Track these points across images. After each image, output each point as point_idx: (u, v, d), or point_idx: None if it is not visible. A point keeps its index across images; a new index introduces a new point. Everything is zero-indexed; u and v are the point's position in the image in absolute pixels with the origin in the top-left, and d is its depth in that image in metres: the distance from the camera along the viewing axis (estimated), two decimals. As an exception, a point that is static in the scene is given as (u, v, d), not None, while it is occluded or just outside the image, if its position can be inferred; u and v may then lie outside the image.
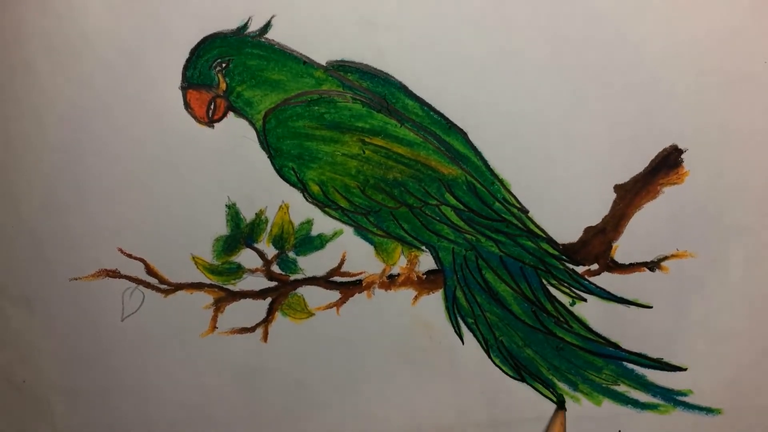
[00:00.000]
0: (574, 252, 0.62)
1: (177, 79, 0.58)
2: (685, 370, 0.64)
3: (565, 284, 0.63)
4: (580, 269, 0.63)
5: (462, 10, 0.57)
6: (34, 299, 0.64)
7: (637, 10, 0.57)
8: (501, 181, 0.60)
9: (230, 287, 0.64)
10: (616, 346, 0.64)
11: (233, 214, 0.61)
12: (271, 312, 0.64)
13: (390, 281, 0.63)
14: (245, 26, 0.57)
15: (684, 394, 0.65)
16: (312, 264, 0.63)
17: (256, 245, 0.63)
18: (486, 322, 0.64)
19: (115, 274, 0.63)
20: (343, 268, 0.63)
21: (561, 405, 0.65)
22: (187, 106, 0.59)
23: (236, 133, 0.60)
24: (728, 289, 0.63)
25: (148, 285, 0.63)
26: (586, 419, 0.66)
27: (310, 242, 0.62)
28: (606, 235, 0.61)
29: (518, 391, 0.65)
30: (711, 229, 0.61)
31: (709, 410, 0.65)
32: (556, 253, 0.62)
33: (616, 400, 0.66)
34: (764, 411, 0.66)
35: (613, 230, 0.61)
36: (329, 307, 0.64)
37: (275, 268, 0.63)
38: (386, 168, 0.60)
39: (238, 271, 0.63)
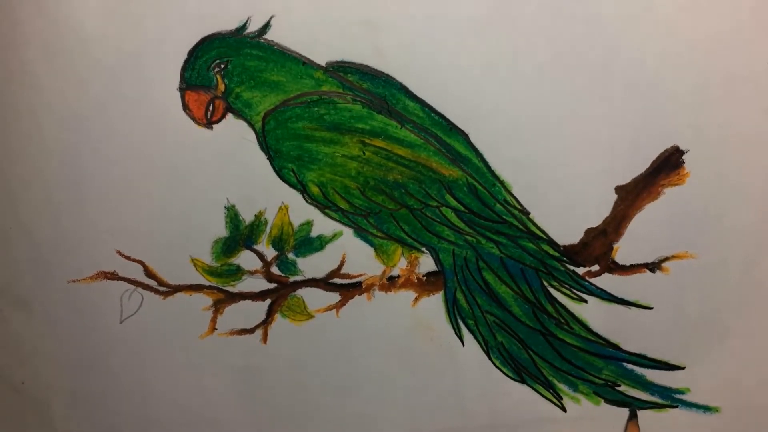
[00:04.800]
0: (574, 253, 0.62)
1: (175, 80, 0.58)
2: (683, 368, 0.64)
3: (566, 285, 0.63)
4: (581, 270, 0.63)
5: (462, 10, 0.56)
6: (32, 301, 0.64)
7: (639, 12, 0.56)
8: (502, 183, 0.60)
9: (229, 289, 0.63)
10: (616, 347, 0.64)
11: (232, 215, 0.61)
12: (270, 314, 0.64)
13: (390, 283, 0.63)
14: (244, 27, 0.57)
15: (682, 393, 0.65)
16: (312, 265, 0.63)
17: (255, 247, 0.62)
18: (486, 323, 0.64)
19: (113, 276, 0.63)
20: (343, 270, 0.63)
21: (633, 415, 0.66)
22: (186, 107, 0.58)
23: (235, 134, 0.59)
24: (728, 289, 0.63)
25: (146, 287, 0.63)
26: (586, 419, 0.66)
27: (309, 244, 0.62)
28: (607, 236, 0.61)
29: (519, 392, 0.65)
30: (712, 230, 0.61)
31: (707, 409, 0.66)
32: (556, 254, 0.62)
33: (615, 399, 0.66)
34: (762, 410, 0.66)
35: (614, 231, 0.61)
36: (329, 309, 0.64)
37: (275, 270, 0.63)
38: (386, 169, 0.60)
39: (237, 272, 0.63)
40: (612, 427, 0.66)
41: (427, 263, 0.63)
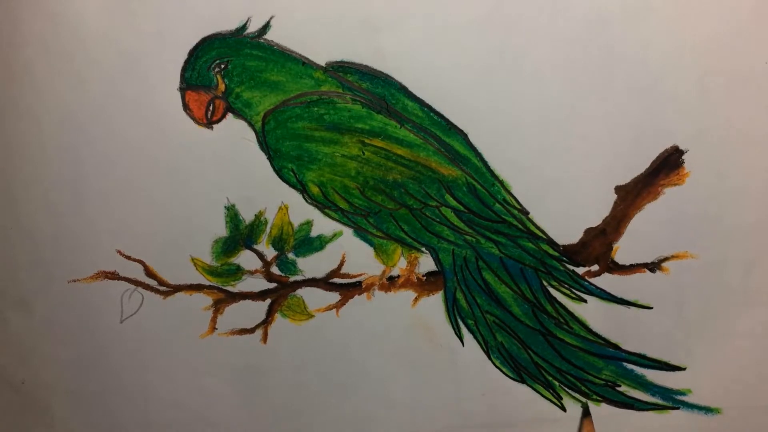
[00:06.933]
0: (574, 253, 0.62)
1: (175, 80, 0.58)
2: (684, 369, 0.64)
3: (566, 285, 0.63)
4: (581, 270, 0.63)
5: (462, 10, 0.57)
6: (32, 301, 0.64)
7: (639, 12, 0.56)
8: (501, 182, 0.60)
9: (229, 288, 0.63)
10: (616, 347, 0.64)
11: (232, 215, 0.61)
12: (270, 313, 0.64)
13: (390, 283, 0.63)
14: (244, 27, 0.57)
15: (683, 394, 0.65)
16: (311, 265, 0.63)
17: (255, 246, 0.62)
18: (486, 323, 0.64)
19: (113, 276, 0.63)
20: (343, 270, 0.63)
21: (586, 412, 0.65)
22: (186, 107, 0.59)
23: (235, 134, 0.59)
24: (728, 289, 0.63)
25: (147, 287, 0.63)
26: (585, 419, 0.66)
27: (309, 243, 0.62)
28: (606, 236, 0.61)
29: (518, 392, 0.65)
30: (711, 230, 0.61)
31: (708, 410, 0.66)
32: (556, 254, 0.62)
33: (616, 399, 0.66)
34: (763, 410, 0.66)
35: (614, 231, 0.61)
36: (329, 308, 0.64)
37: (275, 270, 0.63)
38: (386, 169, 0.60)
39: (237, 272, 0.63)
40: (612, 426, 0.66)
41: (426, 263, 0.63)
